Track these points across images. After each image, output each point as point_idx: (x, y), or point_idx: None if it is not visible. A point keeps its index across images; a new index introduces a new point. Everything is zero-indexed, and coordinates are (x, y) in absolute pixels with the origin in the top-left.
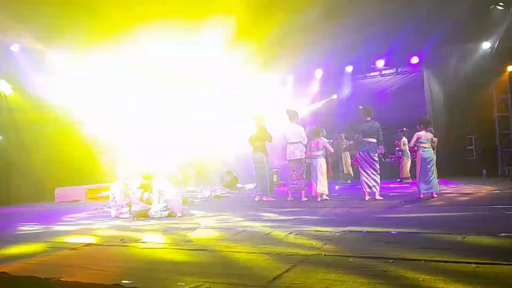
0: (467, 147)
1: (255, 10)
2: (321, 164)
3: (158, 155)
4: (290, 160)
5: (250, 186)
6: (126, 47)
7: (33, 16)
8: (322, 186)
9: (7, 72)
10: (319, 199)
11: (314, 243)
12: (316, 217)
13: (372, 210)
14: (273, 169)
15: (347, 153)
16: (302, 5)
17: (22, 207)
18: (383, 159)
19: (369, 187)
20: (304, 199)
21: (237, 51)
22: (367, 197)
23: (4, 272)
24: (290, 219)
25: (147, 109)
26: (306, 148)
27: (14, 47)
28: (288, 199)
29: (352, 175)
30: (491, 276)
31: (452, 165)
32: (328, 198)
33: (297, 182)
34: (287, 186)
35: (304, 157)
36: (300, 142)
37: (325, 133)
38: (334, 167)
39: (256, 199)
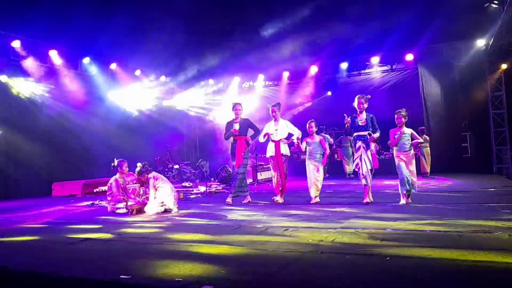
0: (462, 144)
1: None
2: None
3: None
4: (277, 156)
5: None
6: None
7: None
8: (317, 190)
9: (4, 65)
10: (313, 201)
11: (310, 240)
12: (311, 215)
13: (367, 206)
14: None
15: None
16: (297, 1)
17: (19, 201)
18: (377, 156)
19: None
20: (282, 200)
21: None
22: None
23: (4, 266)
24: (286, 217)
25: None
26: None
27: (15, 43)
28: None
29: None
30: (488, 274)
31: (447, 162)
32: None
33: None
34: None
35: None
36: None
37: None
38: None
39: (245, 201)
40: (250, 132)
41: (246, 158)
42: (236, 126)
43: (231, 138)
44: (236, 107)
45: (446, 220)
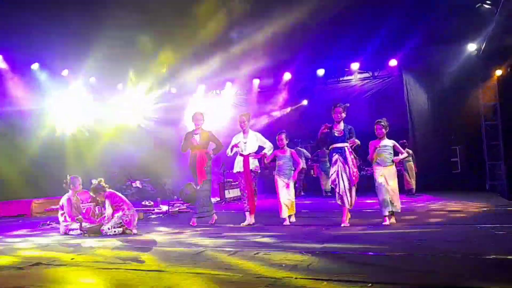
0: (452, 159)
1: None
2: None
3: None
4: (245, 172)
5: (213, 200)
6: None
7: None
8: (291, 209)
9: None
10: (287, 223)
11: (284, 265)
12: (285, 236)
13: (347, 228)
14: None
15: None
16: (270, 4)
17: None
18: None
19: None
20: (253, 221)
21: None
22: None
23: None
24: (257, 238)
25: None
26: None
27: None
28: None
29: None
30: None
31: (435, 178)
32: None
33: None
34: (244, 205)
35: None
36: (254, 152)
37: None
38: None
39: (212, 222)
40: (212, 146)
41: (208, 173)
42: (196, 138)
43: (190, 152)
44: (195, 117)
45: (435, 242)
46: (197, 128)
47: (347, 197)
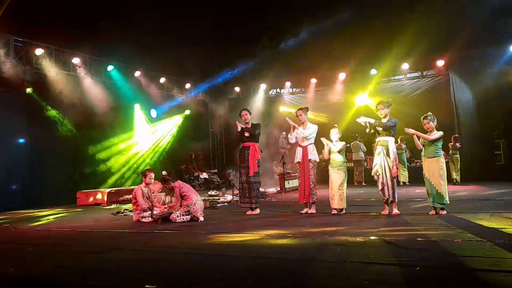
0: (495, 152)
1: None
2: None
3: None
4: (303, 162)
5: (273, 190)
6: None
7: None
8: (341, 200)
9: (31, 73)
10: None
11: (339, 250)
12: (336, 223)
13: (392, 216)
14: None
15: None
16: (327, 9)
17: (42, 211)
18: (408, 164)
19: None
20: (313, 211)
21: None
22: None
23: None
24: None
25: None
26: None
27: (38, 51)
28: (308, 211)
29: None
30: None
31: (479, 170)
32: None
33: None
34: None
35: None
36: (312, 143)
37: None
38: None
39: (255, 213)
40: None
41: (259, 166)
42: (247, 132)
43: (242, 145)
44: (242, 113)
45: (479, 228)
46: (246, 123)
47: (387, 188)
